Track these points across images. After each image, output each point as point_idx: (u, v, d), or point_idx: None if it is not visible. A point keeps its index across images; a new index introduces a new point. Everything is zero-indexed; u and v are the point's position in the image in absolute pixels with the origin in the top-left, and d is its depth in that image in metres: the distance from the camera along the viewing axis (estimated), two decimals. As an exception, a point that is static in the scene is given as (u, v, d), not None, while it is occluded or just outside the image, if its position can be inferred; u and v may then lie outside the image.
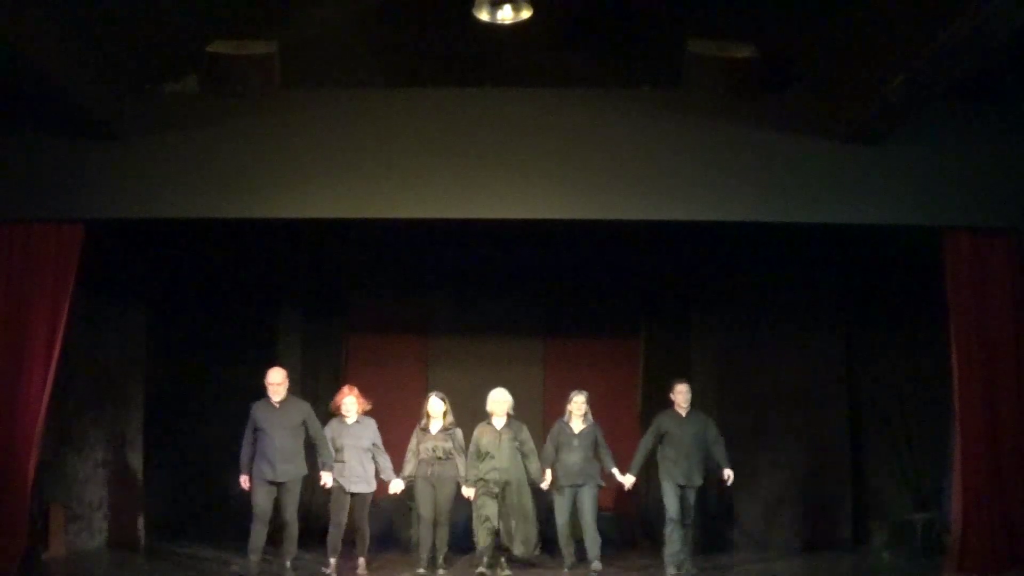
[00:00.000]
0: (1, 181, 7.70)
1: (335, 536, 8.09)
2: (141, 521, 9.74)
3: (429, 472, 8.17)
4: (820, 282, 9.97)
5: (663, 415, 8.41)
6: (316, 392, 9.75)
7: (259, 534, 7.79)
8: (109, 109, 7.46)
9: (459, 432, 8.32)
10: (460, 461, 8.22)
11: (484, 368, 9.79)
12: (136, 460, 9.78)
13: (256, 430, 7.85)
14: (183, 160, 7.77)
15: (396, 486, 8.19)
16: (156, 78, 7.90)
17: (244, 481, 7.88)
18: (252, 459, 7.84)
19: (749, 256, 9.69)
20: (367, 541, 8.29)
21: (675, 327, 10.31)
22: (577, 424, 8.34)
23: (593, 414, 8.38)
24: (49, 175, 7.71)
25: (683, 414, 8.31)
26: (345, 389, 8.36)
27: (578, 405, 8.35)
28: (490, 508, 8.10)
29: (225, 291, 10.13)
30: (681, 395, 8.35)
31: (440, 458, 8.17)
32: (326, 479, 8.03)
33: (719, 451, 8.26)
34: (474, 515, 8.24)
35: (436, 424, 8.26)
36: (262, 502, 7.80)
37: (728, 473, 8.25)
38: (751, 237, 9.14)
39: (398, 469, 8.19)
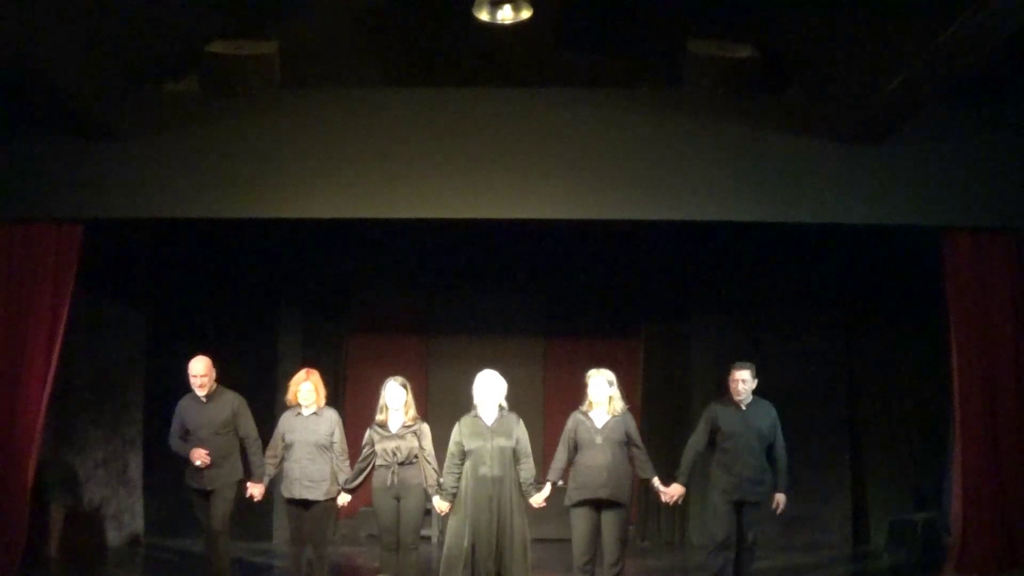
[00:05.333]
0: (1, 181, 7.70)
1: (295, 555, 7.02)
2: (141, 521, 9.75)
3: (389, 481, 6.69)
4: (820, 282, 9.97)
5: (716, 404, 7.00)
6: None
7: (209, 547, 7.00)
8: (109, 109, 7.46)
9: (426, 428, 6.85)
10: (428, 466, 6.76)
11: (484, 368, 9.76)
12: (136, 460, 9.78)
13: (184, 430, 7.02)
14: (183, 160, 7.77)
15: (343, 499, 6.93)
16: (156, 78, 7.90)
17: (198, 454, 6.85)
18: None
19: (749, 256, 9.70)
20: (325, 566, 6.99)
21: (675, 327, 10.30)
22: (600, 415, 6.59)
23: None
24: (49, 175, 7.71)
25: (742, 406, 6.90)
26: (302, 373, 7.08)
27: (596, 389, 6.59)
28: (472, 529, 6.42)
29: (225, 291, 10.12)
30: (739, 383, 6.83)
31: (403, 463, 6.70)
32: (254, 490, 6.96)
33: (778, 462, 6.91)
34: (447, 537, 6.57)
35: (396, 418, 6.77)
36: (200, 514, 7.03)
37: (781, 499, 6.92)
38: (751, 237, 9.15)
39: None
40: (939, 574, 7.84)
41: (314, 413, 6.99)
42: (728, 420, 6.84)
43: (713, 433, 6.88)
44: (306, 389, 6.95)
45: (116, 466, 9.55)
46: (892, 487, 9.72)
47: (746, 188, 7.73)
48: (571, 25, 8.00)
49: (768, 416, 6.91)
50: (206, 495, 6.94)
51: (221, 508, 6.93)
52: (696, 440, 6.93)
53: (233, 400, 7.07)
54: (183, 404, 7.12)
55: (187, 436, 7.02)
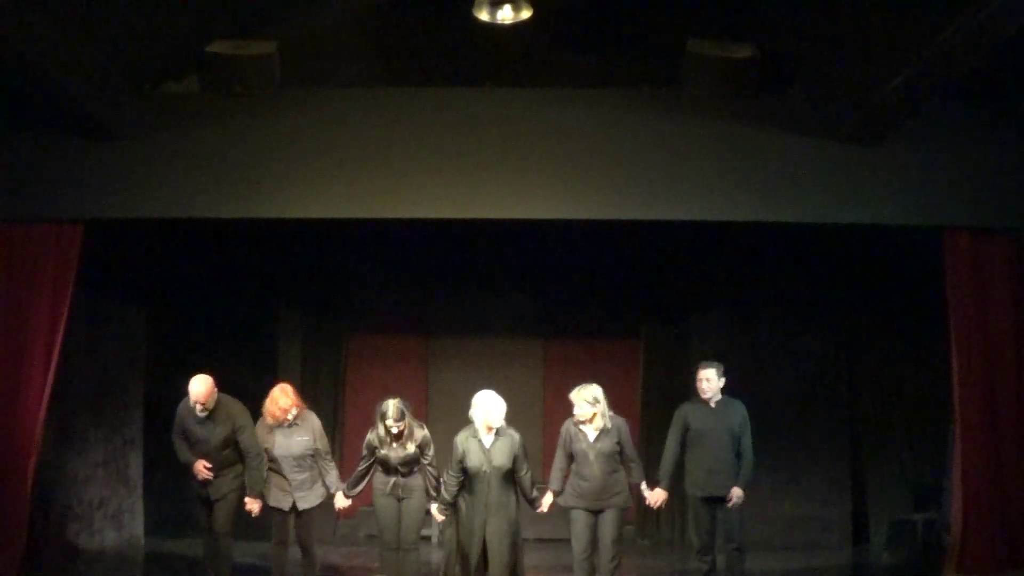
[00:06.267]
0: (1, 181, 7.70)
1: (279, 556, 6.98)
2: (141, 521, 9.75)
3: (391, 484, 6.73)
4: (820, 282, 9.98)
5: (687, 405, 7.17)
6: (316, 392, 9.75)
7: (208, 547, 7.10)
8: (109, 109, 7.46)
9: (428, 437, 6.81)
10: (430, 474, 6.76)
11: (484, 368, 9.78)
12: (136, 460, 9.78)
13: (185, 438, 6.98)
14: (183, 160, 7.76)
15: (341, 501, 6.91)
16: (156, 78, 7.90)
17: (199, 466, 6.85)
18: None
19: (749, 256, 9.70)
20: (316, 568, 7.10)
21: (675, 327, 10.31)
22: (591, 429, 6.64)
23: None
24: (49, 175, 7.71)
25: (711, 404, 7.04)
26: (284, 397, 6.90)
27: (580, 409, 6.62)
28: (471, 547, 6.49)
29: (225, 291, 10.13)
30: (703, 382, 6.99)
31: (404, 473, 6.74)
32: (252, 506, 6.87)
33: (744, 458, 6.95)
34: (446, 549, 6.71)
35: (399, 438, 6.76)
36: (201, 517, 7.07)
37: (736, 493, 6.89)
38: (751, 237, 9.14)
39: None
40: (939, 574, 7.83)
41: (293, 424, 6.93)
42: (698, 418, 7.00)
43: (685, 432, 7.02)
44: (294, 412, 6.88)
45: (116, 466, 9.55)
46: (892, 487, 9.72)
47: (746, 188, 7.73)
48: (571, 25, 8.00)
49: (738, 414, 7.03)
50: (211, 502, 6.97)
51: (225, 512, 6.96)
52: (671, 442, 7.06)
53: (234, 415, 6.91)
54: (183, 411, 6.97)
55: (188, 442, 7.00)
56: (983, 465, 7.60)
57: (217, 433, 6.87)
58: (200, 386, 6.80)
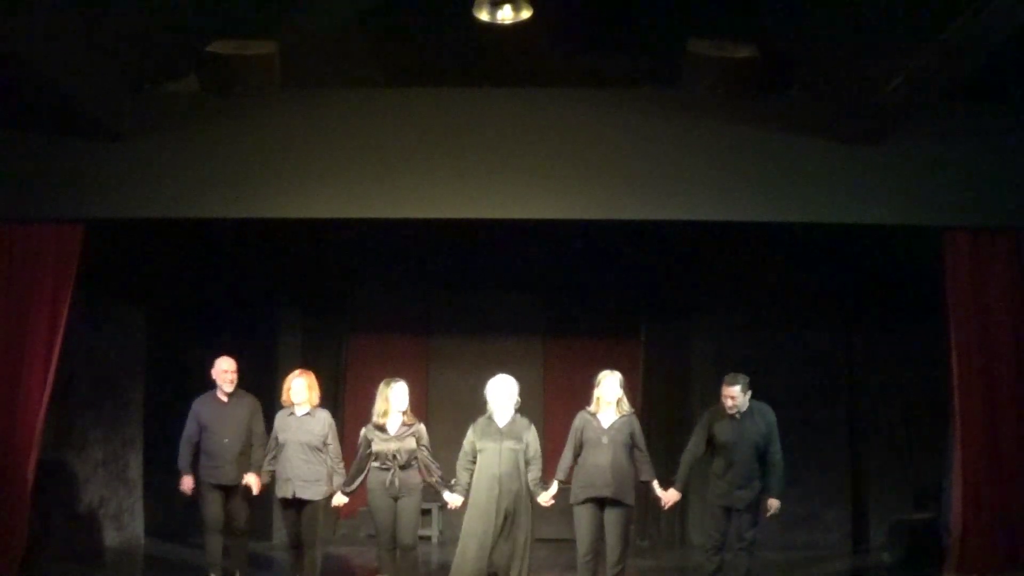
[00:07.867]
0: (1, 181, 7.70)
1: (294, 559, 7.10)
2: (141, 521, 9.75)
3: (387, 482, 6.72)
4: (820, 282, 9.98)
5: (711, 414, 7.09)
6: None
7: (214, 545, 7.28)
8: (109, 109, 7.46)
9: (423, 428, 6.91)
10: (431, 465, 6.84)
11: (484, 368, 9.76)
12: (136, 460, 9.78)
13: (201, 428, 7.29)
14: (183, 160, 7.76)
15: (339, 499, 6.95)
16: (156, 78, 7.90)
17: (187, 483, 7.30)
18: (193, 459, 7.30)
19: (749, 256, 9.70)
20: (317, 565, 7.09)
21: (675, 327, 10.31)
22: (608, 415, 6.81)
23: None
24: (49, 175, 7.71)
25: (736, 416, 6.93)
26: (295, 371, 7.23)
27: (609, 389, 6.79)
28: (481, 527, 6.62)
29: (225, 291, 10.13)
30: (728, 400, 6.88)
31: (402, 465, 6.74)
32: (250, 479, 7.12)
33: (772, 468, 6.92)
34: (461, 536, 6.76)
35: (395, 420, 6.81)
36: (213, 509, 7.25)
37: (773, 504, 6.96)
38: (751, 237, 9.14)
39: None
40: (939, 574, 7.83)
41: (307, 413, 7.05)
42: (722, 430, 6.96)
43: (710, 439, 7.02)
44: (298, 386, 7.02)
45: (116, 466, 9.55)
46: (892, 487, 9.72)
47: (746, 188, 7.73)
48: (571, 25, 7.99)
49: (764, 423, 6.98)
50: (224, 491, 7.18)
51: (244, 507, 7.28)
52: (693, 448, 7.07)
53: (252, 401, 7.42)
54: (200, 404, 7.35)
55: (204, 434, 7.28)
56: (983, 465, 7.60)
57: (238, 414, 7.28)
58: (229, 361, 7.39)
